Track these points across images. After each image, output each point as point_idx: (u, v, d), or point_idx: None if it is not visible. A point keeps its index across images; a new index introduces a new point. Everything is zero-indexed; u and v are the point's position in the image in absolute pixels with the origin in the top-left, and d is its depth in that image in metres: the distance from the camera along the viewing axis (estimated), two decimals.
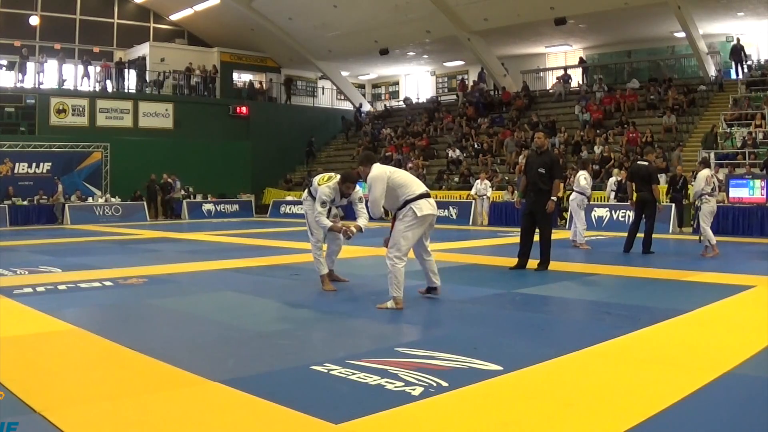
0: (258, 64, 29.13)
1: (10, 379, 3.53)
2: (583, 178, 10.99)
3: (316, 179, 6.69)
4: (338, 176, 6.49)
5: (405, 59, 28.43)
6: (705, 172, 9.70)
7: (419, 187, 5.70)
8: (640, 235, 9.95)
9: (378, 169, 5.68)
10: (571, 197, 11.26)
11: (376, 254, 8.94)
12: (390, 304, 5.58)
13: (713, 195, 9.65)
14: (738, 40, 20.71)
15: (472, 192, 17.60)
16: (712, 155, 16.42)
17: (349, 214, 6.83)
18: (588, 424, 2.94)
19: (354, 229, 6.21)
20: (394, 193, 5.62)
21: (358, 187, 6.52)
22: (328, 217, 6.44)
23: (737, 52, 20.34)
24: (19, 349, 4.31)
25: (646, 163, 10.12)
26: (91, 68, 24.55)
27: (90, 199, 20.62)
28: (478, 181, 17.67)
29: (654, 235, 10.04)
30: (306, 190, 6.93)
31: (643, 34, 22.31)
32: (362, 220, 6.29)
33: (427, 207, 5.61)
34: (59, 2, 25.32)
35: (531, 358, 3.91)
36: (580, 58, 24.98)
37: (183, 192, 21.85)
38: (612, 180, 16.16)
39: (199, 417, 3.07)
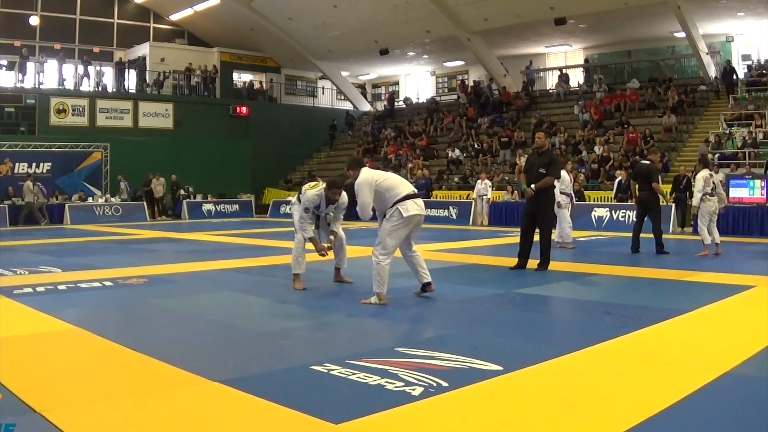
0: (258, 64, 29.13)
1: (10, 379, 3.53)
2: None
3: (305, 186, 6.94)
4: (324, 184, 6.73)
5: (405, 59, 28.42)
6: (703, 173, 9.74)
7: (406, 188, 5.87)
8: (645, 234, 9.99)
9: (365, 174, 5.80)
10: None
11: None
12: (374, 299, 5.74)
13: (713, 195, 9.68)
14: (728, 62, 20.52)
15: (474, 194, 17.59)
16: (714, 156, 16.42)
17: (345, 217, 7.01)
18: (588, 424, 2.94)
19: (327, 246, 6.71)
20: (382, 197, 5.76)
21: (344, 195, 6.74)
22: (320, 226, 6.88)
23: (728, 75, 20.01)
24: (19, 349, 4.31)
25: (648, 163, 10.19)
26: (91, 68, 24.55)
27: (90, 199, 20.62)
28: (479, 181, 17.67)
29: (649, 235, 10.04)
30: (297, 195, 7.07)
31: (643, 34, 22.30)
32: (336, 226, 6.86)
33: (413, 208, 5.76)
34: (59, 2, 25.32)
35: (531, 358, 3.91)
36: (585, 59, 24.97)
37: (125, 194, 21.18)
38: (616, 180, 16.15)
39: (199, 417, 3.07)
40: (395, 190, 5.75)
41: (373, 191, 5.71)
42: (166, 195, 22.12)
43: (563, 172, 11.05)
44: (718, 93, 20.26)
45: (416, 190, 5.97)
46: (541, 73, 26.55)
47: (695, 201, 9.76)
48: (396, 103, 29.81)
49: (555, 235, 10.76)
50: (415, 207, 5.76)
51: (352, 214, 7.85)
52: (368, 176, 5.77)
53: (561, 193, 10.83)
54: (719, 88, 20.25)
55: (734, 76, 19.82)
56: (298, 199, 6.89)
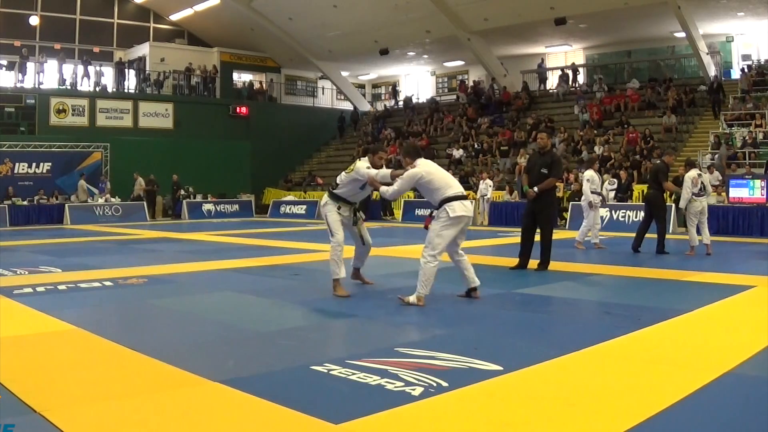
0: (258, 64, 29.14)
1: (10, 379, 3.53)
2: (585, 180, 10.95)
3: (344, 172, 6.57)
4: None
5: (405, 59, 28.42)
6: (690, 174, 9.80)
7: (455, 189, 5.88)
8: (649, 235, 10.02)
9: (417, 168, 5.88)
10: (582, 197, 11.27)
11: (379, 254, 8.93)
12: (412, 299, 5.71)
13: (701, 195, 9.74)
14: (716, 77, 20.28)
15: (477, 195, 17.58)
16: (707, 157, 16.44)
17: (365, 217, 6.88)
18: (588, 424, 2.94)
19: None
20: (431, 193, 5.87)
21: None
22: (356, 224, 6.61)
23: (715, 93, 19.70)
24: (19, 349, 4.31)
25: (659, 163, 10.46)
26: (91, 68, 24.55)
27: (90, 199, 20.61)
28: (481, 181, 17.66)
29: (653, 235, 10.05)
30: (327, 193, 6.69)
31: (643, 34, 22.31)
32: (363, 229, 6.69)
33: (460, 209, 5.77)
34: (59, 2, 25.32)
35: (531, 358, 3.91)
36: (572, 62, 24.94)
37: (106, 197, 20.91)
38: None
39: (199, 417, 3.07)
40: (444, 190, 5.80)
41: (412, 186, 5.95)
42: (166, 195, 22.09)
43: (592, 172, 11.07)
44: (714, 94, 20.19)
45: (464, 192, 5.99)
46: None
47: (683, 202, 9.82)
48: (397, 103, 29.70)
49: (578, 235, 10.84)
50: (462, 208, 5.78)
51: (369, 215, 7.70)
52: (416, 172, 5.85)
53: (593, 192, 10.83)
54: (711, 91, 20.19)
55: (721, 94, 19.49)
56: (332, 195, 6.50)
